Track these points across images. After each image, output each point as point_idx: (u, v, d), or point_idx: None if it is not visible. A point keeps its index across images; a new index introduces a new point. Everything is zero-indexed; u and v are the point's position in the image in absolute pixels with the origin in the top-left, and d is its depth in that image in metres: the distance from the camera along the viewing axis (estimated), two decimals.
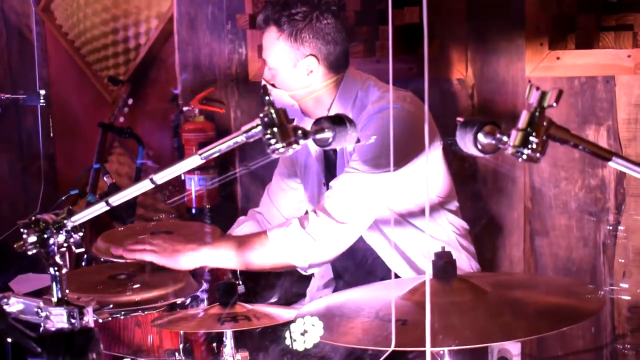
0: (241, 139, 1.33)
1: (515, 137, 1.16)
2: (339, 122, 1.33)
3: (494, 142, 1.16)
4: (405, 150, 2.22)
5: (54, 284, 1.45)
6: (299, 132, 1.32)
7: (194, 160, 1.33)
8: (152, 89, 4.19)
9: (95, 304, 1.44)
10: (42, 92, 2.93)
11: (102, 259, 2.63)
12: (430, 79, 3.12)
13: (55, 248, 1.43)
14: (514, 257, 3.02)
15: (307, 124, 2.57)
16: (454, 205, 2.51)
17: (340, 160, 2.42)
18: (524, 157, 1.14)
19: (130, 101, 3.98)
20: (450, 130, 3.11)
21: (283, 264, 2.23)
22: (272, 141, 1.30)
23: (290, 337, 1.58)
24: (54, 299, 1.45)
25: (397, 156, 2.19)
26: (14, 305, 1.52)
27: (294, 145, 1.31)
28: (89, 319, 1.43)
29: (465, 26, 2.97)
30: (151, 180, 1.35)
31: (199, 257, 2.20)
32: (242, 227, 2.65)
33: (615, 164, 1.20)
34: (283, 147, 1.30)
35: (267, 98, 1.28)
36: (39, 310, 1.47)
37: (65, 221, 1.41)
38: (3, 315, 1.38)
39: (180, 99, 3.79)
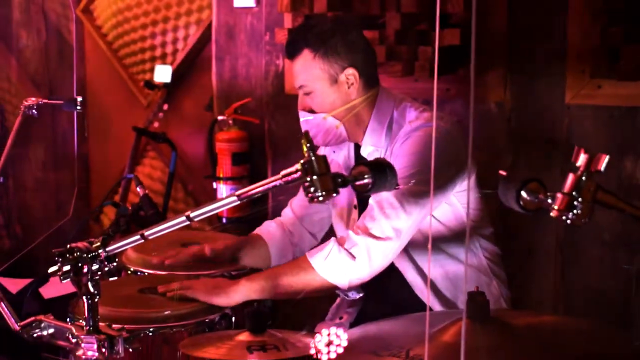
0: (279, 183, 1.32)
1: (560, 200, 1.13)
2: (378, 168, 1.31)
3: (537, 200, 1.14)
4: (443, 168, 2.23)
5: (87, 312, 1.44)
6: (339, 180, 1.31)
7: (231, 201, 1.32)
8: (188, 95, 4.20)
9: (125, 333, 1.44)
10: (80, 98, 2.93)
11: (131, 270, 2.63)
12: (467, 101, 3.09)
13: (89, 277, 1.43)
14: (543, 287, 2.98)
15: (347, 147, 2.58)
16: (488, 230, 2.48)
17: None
18: (568, 221, 1.12)
19: (165, 106, 3.99)
20: (484, 153, 3.06)
21: (325, 286, 2.23)
22: (312, 189, 1.29)
23: (315, 349, 1.56)
24: (86, 327, 1.45)
25: (436, 175, 2.17)
26: (45, 329, 1.52)
27: (333, 194, 1.30)
28: (120, 348, 1.44)
29: (507, 49, 2.94)
30: (187, 217, 1.35)
31: (240, 292, 2.20)
32: (266, 226, 2.65)
33: None
34: (322, 195, 1.29)
35: (307, 145, 1.27)
36: (70, 336, 1.47)
37: (99, 251, 1.41)
38: None
39: (215, 108, 3.79)
